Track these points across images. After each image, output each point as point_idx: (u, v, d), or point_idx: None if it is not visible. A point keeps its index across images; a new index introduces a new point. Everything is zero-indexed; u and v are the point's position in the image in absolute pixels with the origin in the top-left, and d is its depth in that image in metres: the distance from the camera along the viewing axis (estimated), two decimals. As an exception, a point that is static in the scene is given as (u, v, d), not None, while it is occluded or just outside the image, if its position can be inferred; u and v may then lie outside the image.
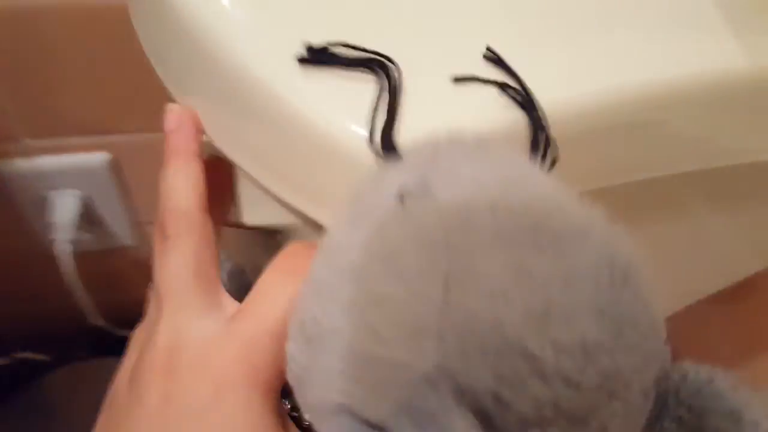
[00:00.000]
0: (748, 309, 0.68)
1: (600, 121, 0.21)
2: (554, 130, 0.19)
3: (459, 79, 0.18)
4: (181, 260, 0.19)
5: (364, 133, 0.17)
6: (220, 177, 0.23)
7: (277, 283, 0.19)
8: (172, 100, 0.44)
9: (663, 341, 0.15)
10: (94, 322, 0.58)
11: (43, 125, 0.46)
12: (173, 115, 0.21)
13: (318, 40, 0.18)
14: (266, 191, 0.22)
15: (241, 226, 0.26)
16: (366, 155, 0.18)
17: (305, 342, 0.15)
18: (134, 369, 0.19)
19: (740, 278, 0.48)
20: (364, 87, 0.18)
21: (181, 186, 0.20)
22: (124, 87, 0.45)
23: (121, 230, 0.55)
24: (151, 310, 0.20)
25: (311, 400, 0.15)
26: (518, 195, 0.14)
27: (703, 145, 0.23)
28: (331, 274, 0.15)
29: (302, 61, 0.18)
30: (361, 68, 0.18)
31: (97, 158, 0.48)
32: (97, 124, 0.47)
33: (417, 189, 0.15)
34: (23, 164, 0.47)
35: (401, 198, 0.15)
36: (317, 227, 0.25)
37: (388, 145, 0.17)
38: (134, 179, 0.52)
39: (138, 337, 0.21)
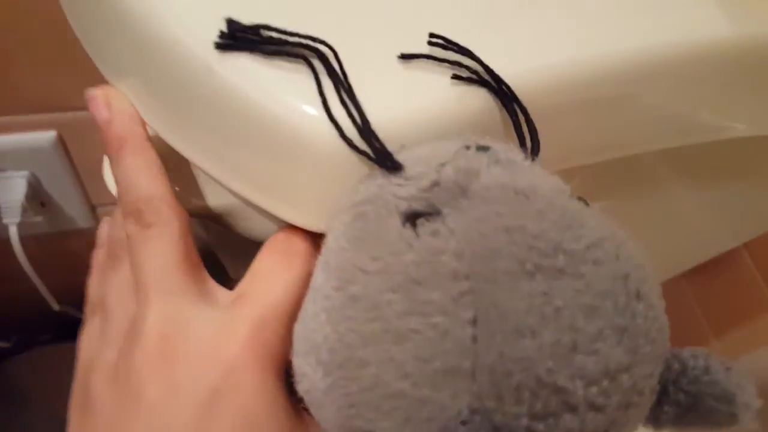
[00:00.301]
0: (722, 283, 0.70)
1: (569, 96, 0.19)
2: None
3: (406, 56, 0.17)
4: (168, 247, 0.18)
5: (315, 113, 0.16)
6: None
7: (275, 265, 0.19)
8: None
9: (668, 340, 0.16)
10: (53, 306, 0.56)
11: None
12: (100, 102, 0.20)
13: (251, 19, 0.16)
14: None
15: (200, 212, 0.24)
16: (320, 141, 0.16)
17: (319, 364, 0.15)
18: (118, 367, 0.17)
19: (715, 254, 0.49)
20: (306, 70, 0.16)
21: (145, 174, 0.19)
22: (70, 63, 0.42)
23: (74, 212, 0.53)
24: (114, 308, 0.19)
25: (327, 417, 0.15)
26: (529, 214, 0.14)
27: (678, 121, 0.22)
28: (343, 299, 0.15)
29: (222, 45, 0.16)
30: (294, 54, 0.16)
31: (44, 137, 0.46)
32: (43, 101, 0.44)
33: (428, 212, 0.15)
34: (-36, 145, 0.45)
35: (412, 223, 0.15)
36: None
37: (371, 142, 0.16)
38: (83, 159, 0.49)
39: (88, 346, 0.19)
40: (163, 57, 0.17)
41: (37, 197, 0.50)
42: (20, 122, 0.45)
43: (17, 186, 0.47)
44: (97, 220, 0.55)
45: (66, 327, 0.62)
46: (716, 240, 0.44)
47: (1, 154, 0.46)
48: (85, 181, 0.51)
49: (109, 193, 0.55)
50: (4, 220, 0.47)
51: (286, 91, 0.16)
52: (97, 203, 0.54)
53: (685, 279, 0.77)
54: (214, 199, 0.23)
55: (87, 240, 0.58)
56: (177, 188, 0.21)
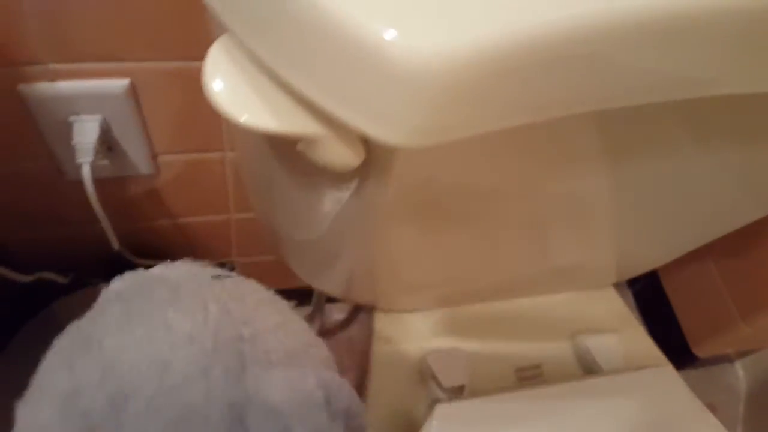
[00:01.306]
0: (751, 268, 0.71)
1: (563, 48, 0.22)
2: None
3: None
4: None
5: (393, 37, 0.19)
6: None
7: None
8: (192, 30, 0.46)
9: None
10: (113, 246, 0.61)
11: (67, 50, 0.47)
12: None
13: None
14: (295, 92, 0.24)
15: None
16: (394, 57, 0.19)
17: None
18: None
19: (740, 224, 0.49)
20: None
21: None
22: (146, 13, 0.46)
23: (137, 158, 0.57)
24: None
25: None
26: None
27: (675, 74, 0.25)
28: None
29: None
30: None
31: (118, 84, 0.50)
32: (120, 50, 0.48)
33: None
34: (47, 88, 0.49)
35: None
36: (344, 136, 0.27)
37: None
38: (151, 108, 0.53)
39: None
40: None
41: (106, 142, 0.54)
42: (97, 69, 0.49)
43: (91, 129, 0.51)
44: (157, 167, 0.60)
45: (119, 269, 0.67)
46: (739, 208, 0.45)
47: (77, 98, 0.50)
48: (150, 129, 0.55)
49: (170, 142, 0.59)
50: (78, 160, 0.51)
51: (372, 14, 0.19)
52: (159, 152, 0.58)
53: (713, 263, 0.79)
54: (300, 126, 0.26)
55: (146, 186, 0.62)
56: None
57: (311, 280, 0.55)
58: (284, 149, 0.35)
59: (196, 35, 0.47)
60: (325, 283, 0.55)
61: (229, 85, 0.26)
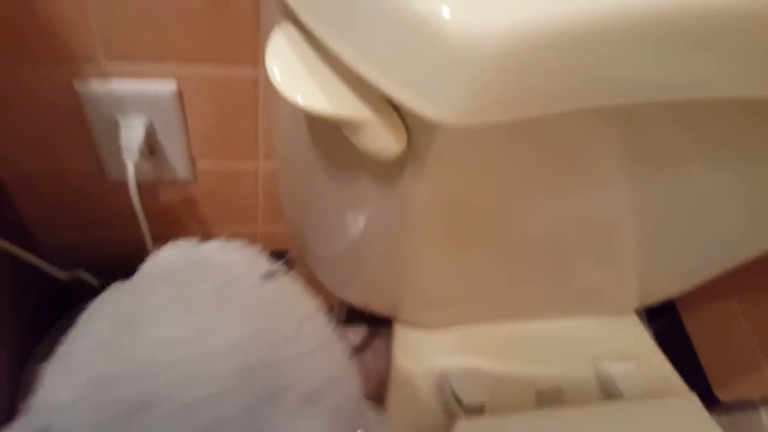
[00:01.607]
0: None
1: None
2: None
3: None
4: None
5: (449, 15, 0.21)
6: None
7: None
8: (240, 36, 0.49)
9: None
10: (149, 250, 0.62)
11: (121, 48, 0.49)
12: None
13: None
14: (347, 74, 0.26)
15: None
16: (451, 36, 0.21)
17: None
18: None
19: (758, 251, 0.49)
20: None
21: None
22: (198, 17, 0.48)
23: (177, 163, 0.59)
24: None
25: None
26: None
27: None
28: None
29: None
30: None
31: (165, 86, 0.52)
32: (168, 50, 0.50)
33: None
34: (99, 85, 0.51)
35: None
36: (389, 123, 0.29)
37: None
38: (194, 111, 0.55)
39: None
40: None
41: (150, 144, 0.56)
42: (147, 69, 0.51)
43: (137, 129, 0.53)
44: (195, 173, 0.62)
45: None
46: (759, 231, 0.45)
47: (127, 97, 0.52)
48: (191, 134, 0.57)
49: (208, 148, 0.61)
50: (124, 158, 0.53)
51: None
52: (197, 157, 0.60)
53: (737, 302, 0.78)
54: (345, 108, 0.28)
55: (182, 192, 0.64)
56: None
57: (337, 289, 0.56)
58: (326, 140, 0.36)
59: (244, 40, 0.50)
60: (350, 292, 0.56)
61: (287, 69, 0.28)
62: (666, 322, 0.92)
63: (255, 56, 0.51)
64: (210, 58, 0.51)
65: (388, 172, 0.34)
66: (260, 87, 0.54)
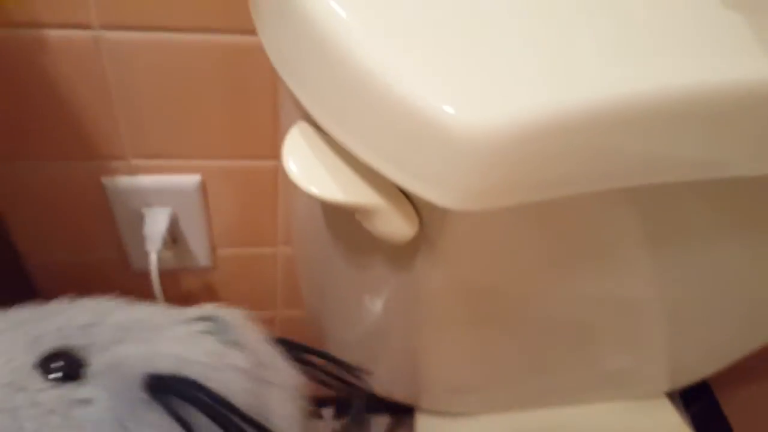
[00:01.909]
0: None
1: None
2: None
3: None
4: None
5: (452, 111, 0.22)
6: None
7: None
8: (263, 131, 0.52)
9: None
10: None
11: (148, 147, 0.52)
12: None
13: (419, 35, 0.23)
14: (359, 165, 0.27)
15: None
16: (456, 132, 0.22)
17: None
18: None
19: None
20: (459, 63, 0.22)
21: None
22: (220, 117, 0.51)
23: (198, 251, 0.61)
24: None
25: None
26: None
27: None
28: None
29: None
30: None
31: (190, 180, 0.54)
32: (193, 149, 0.53)
33: None
34: (126, 181, 0.54)
35: None
36: (401, 208, 0.30)
37: None
38: (217, 202, 0.57)
39: None
40: (346, 71, 0.24)
41: (173, 233, 0.58)
42: (172, 165, 0.54)
43: (161, 219, 0.55)
44: (215, 260, 0.63)
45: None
46: None
47: (152, 191, 0.55)
48: (213, 222, 0.59)
49: (229, 236, 0.62)
50: (147, 248, 0.55)
51: (435, 95, 0.22)
52: (218, 245, 0.62)
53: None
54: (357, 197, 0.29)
55: (203, 278, 0.65)
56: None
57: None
58: (341, 226, 0.37)
59: (263, 137, 0.53)
60: (370, 379, 0.55)
61: (302, 162, 0.29)
62: (703, 407, 0.88)
63: (274, 151, 0.54)
64: (232, 154, 0.54)
65: (402, 255, 0.35)
66: (279, 178, 0.56)
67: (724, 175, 0.28)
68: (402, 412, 1.02)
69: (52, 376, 0.21)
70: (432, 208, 0.30)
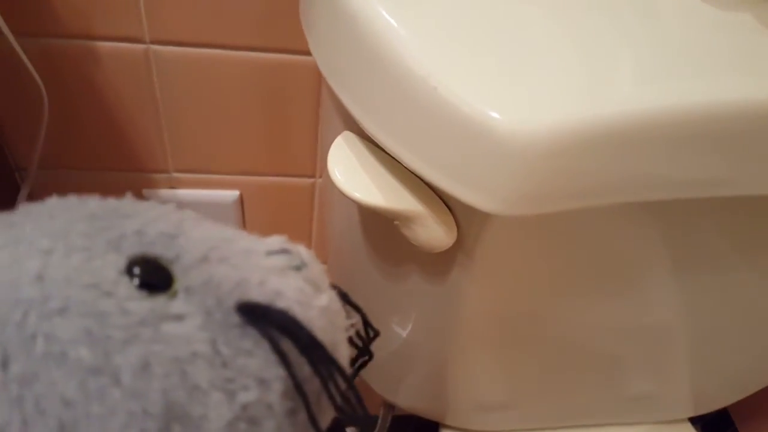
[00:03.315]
0: None
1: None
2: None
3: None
4: None
5: (498, 116, 0.23)
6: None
7: None
8: (302, 149, 0.53)
9: None
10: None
11: (190, 162, 0.54)
12: None
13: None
14: (406, 173, 0.28)
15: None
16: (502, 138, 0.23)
17: None
18: None
19: None
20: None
21: None
22: (260, 136, 0.53)
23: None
24: None
25: None
26: None
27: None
28: None
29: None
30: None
31: (229, 195, 0.56)
32: (233, 165, 0.55)
33: None
34: (167, 194, 0.56)
35: None
36: (441, 216, 0.31)
37: None
38: (253, 216, 0.59)
39: None
40: (397, 79, 0.25)
41: (208, 247, 0.59)
42: (212, 180, 0.56)
43: (198, 233, 0.57)
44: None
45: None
46: None
47: (191, 204, 0.56)
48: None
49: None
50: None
51: (482, 101, 0.24)
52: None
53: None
54: (398, 203, 0.30)
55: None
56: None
57: (384, 390, 0.56)
58: (379, 237, 0.38)
59: (301, 155, 0.54)
60: (398, 395, 0.55)
61: (347, 170, 0.31)
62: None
63: (312, 168, 0.55)
64: (271, 171, 0.55)
65: (438, 266, 0.36)
66: (315, 195, 0.58)
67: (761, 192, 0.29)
68: (426, 430, 1.01)
69: (141, 284, 0.19)
70: (470, 217, 0.31)
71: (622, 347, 0.46)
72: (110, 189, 0.56)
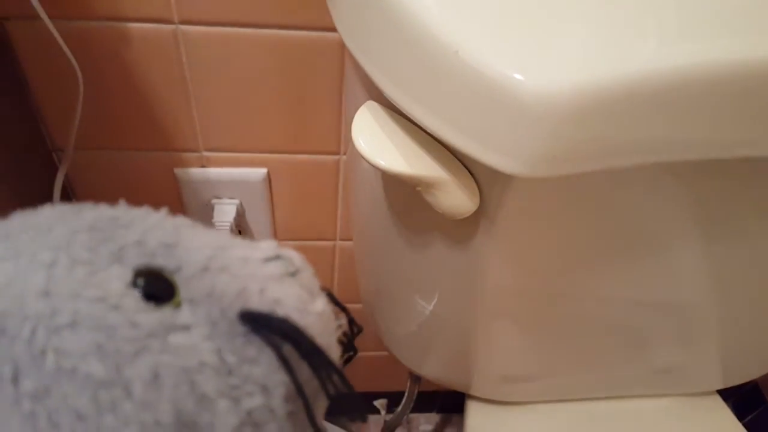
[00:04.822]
0: None
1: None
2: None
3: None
4: None
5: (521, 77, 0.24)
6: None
7: None
8: (328, 127, 0.54)
9: None
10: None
11: (219, 141, 0.56)
12: None
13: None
14: (429, 140, 0.29)
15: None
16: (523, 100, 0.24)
17: None
18: None
19: None
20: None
21: None
22: (287, 114, 0.54)
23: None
24: None
25: None
26: None
27: None
28: None
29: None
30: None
31: (257, 173, 0.57)
32: (261, 143, 0.56)
33: None
34: (197, 173, 0.57)
35: None
36: (463, 181, 0.31)
37: None
38: (279, 195, 0.60)
39: None
40: (420, 44, 0.26)
41: (239, 225, 0.61)
42: (241, 158, 0.57)
43: (229, 211, 0.58)
44: (276, 252, 0.66)
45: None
46: None
47: (221, 183, 0.58)
48: (276, 214, 0.62)
49: (290, 228, 0.65)
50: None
51: (505, 63, 0.24)
52: (280, 238, 0.64)
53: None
54: (421, 170, 0.31)
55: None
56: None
57: (411, 363, 0.57)
58: (403, 206, 0.39)
59: (326, 132, 0.55)
60: (424, 367, 0.56)
61: (371, 138, 0.31)
62: (757, 417, 0.86)
63: (336, 146, 0.56)
64: (297, 148, 0.56)
65: (461, 232, 0.37)
66: (341, 172, 0.59)
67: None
68: (450, 410, 1.03)
69: (146, 296, 0.20)
70: (492, 183, 0.32)
71: (648, 318, 0.46)
72: (143, 169, 0.57)
